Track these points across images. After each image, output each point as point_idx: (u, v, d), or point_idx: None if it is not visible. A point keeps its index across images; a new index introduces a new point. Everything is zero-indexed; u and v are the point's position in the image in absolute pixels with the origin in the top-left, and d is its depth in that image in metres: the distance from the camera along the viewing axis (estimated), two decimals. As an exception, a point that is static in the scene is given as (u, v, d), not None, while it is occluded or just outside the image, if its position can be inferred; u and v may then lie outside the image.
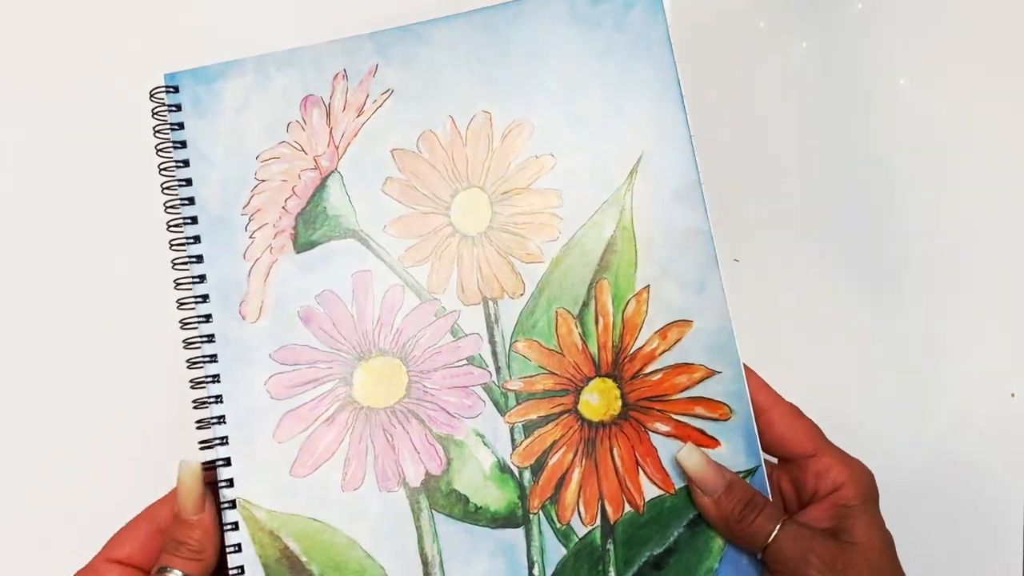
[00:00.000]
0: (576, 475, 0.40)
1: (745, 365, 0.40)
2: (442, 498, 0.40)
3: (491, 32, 0.41)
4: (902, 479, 0.47)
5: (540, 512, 0.39)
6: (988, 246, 0.50)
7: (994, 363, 0.50)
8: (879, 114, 0.51)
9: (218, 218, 0.41)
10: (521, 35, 0.41)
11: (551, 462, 0.40)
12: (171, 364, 0.42)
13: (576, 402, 0.40)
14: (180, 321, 0.40)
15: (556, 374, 0.40)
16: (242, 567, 0.39)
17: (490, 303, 0.41)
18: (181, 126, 0.42)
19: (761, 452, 0.39)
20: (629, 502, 0.39)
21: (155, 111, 0.42)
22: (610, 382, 0.40)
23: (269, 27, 0.54)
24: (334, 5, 0.55)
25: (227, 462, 0.40)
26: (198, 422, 0.40)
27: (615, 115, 0.41)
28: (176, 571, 0.37)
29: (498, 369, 0.40)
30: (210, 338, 0.40)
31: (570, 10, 0.41)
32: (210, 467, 0.40)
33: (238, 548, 0.39)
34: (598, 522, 0.39)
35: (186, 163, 0.42)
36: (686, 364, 0.40)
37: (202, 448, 0.40)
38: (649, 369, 0.40)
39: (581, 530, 0.39)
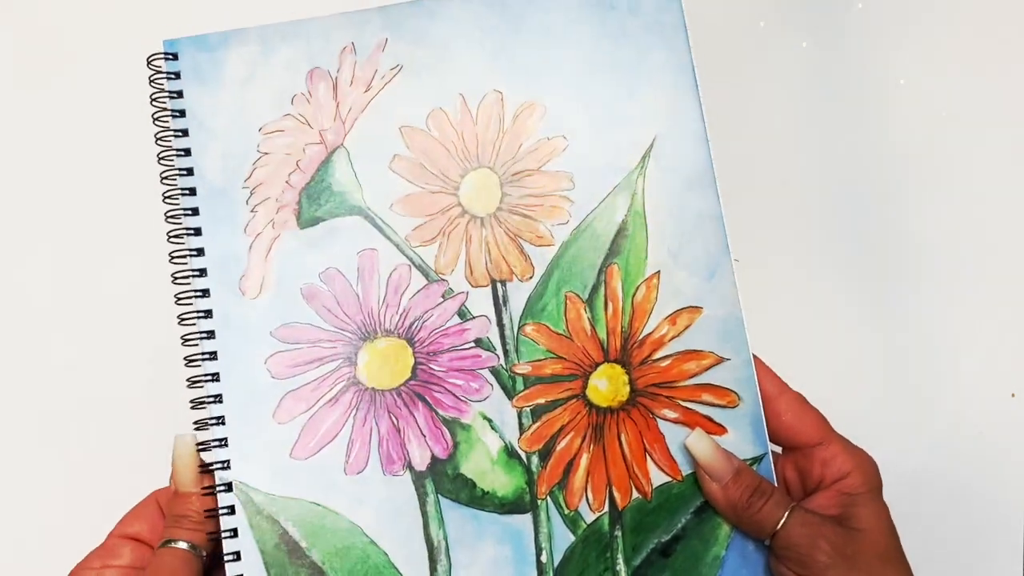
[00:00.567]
0: (584, 461, 0.39)
1: (752, 354, 0.40)
2: (448, 483, 0.39)
3: (504, 10, 0.41)
4: (902, 479, 0.47)
5: (548, 498, 0.39)
6: (989, 245, 0.51)
7: (994, 363, 0.50)
8: (879, 114, 0.51)
9: (218, 190, 0.40)
10: (535, 14, 0.41)
11: (559, 447, 0.39)
12: (166, 343, 0.40)
13: (584, 387, 0.39)
14: (175, 296, 0.39)
15: (564, 359, 0.40)
16: (238, 553, 0.37)
17: (499, 285, 0.40)
18: (180, 94, 0.40)
19: (768, 440, 0.39)
20: (637, 488, 0.39)
21: (152, 78, 0.40)
22: (618, 368, 0.40)
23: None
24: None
25: (223, 443, 0.38)
26: (193, 401, 0.38)
27: (628, 99, 0.41)
28: (181, 542, 0.37)
29: (506, 352, 0.39)
30: (207, 314, 0.39)
31: (585, -9, 0.41)
32: (204, 448, 0.38)
33: (234, 533, 0.37)
34: (606, 508, 0.39)
35: (185, 132, 0.40)
36: (695, 351, 0.39)
37: (197, 429, 0.38)
38: (658, 355, 0.40)
39: (589, 516, 0.39)
